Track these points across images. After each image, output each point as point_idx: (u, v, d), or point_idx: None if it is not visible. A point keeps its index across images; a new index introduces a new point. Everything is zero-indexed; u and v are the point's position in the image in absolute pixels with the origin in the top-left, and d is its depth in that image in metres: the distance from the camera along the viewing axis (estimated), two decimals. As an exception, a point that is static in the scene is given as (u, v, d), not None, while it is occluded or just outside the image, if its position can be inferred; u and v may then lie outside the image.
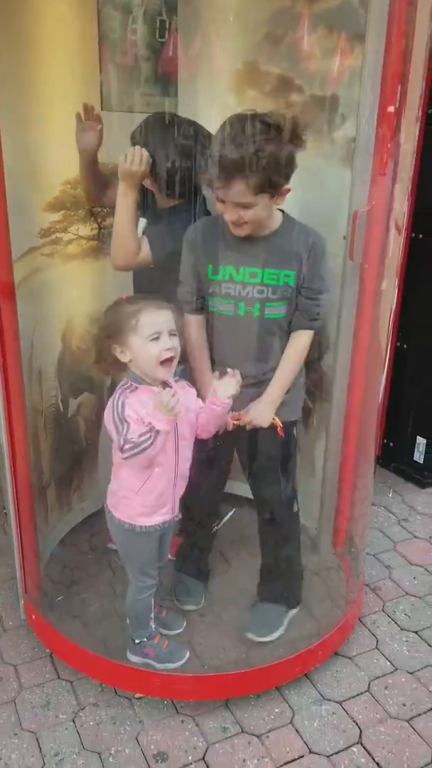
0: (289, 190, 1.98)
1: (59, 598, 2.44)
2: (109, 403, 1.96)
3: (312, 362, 2.68)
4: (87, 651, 2.19)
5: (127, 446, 1.88)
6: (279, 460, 2.29)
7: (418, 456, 3.49)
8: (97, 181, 2.39)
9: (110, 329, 1.97)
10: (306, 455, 2.86)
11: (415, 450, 3.49)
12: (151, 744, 2.06)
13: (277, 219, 2.09)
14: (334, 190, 2.35)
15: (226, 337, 2.17)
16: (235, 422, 2.16)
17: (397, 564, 2.93)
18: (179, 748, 2.05)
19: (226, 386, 2.02)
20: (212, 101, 2.51)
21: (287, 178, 1.95)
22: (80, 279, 2.60)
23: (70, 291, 2.60)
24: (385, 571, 2.87)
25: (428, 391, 3.36)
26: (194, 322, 2.17)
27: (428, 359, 3.33)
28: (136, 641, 2.24)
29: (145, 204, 2.25)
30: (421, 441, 3.46)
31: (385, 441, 3.63)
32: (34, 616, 2.37)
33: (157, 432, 1.87)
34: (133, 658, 2.25)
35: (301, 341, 2.17)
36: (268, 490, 2.34)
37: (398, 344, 3.39)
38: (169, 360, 1.92)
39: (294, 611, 2.45)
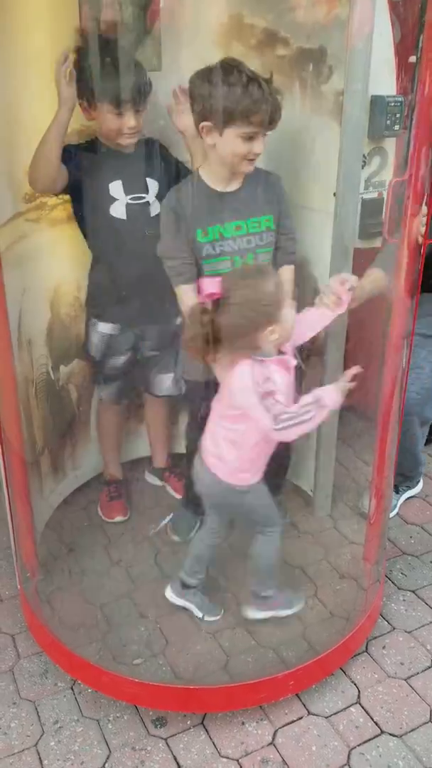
0: None
1: (38, 578, 2.39)
2: (240, 380, 1.86)
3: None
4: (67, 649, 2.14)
5: (285, 416, 1.81)
6: None
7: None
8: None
9: (274, 308, 1.83)
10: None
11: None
12: (150, 710, 2.07)
13: None
14: (322, 145, 2.30)
15: None
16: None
17: (393, 524, 2.92)
18: (178, 713, 2.06)
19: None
20: (197, 56, 2.43)
21: None
22: (67, 244, 2.55)
23: (58, 257, 2.55)
24: (382, 532, 2.88)
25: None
26: (191, 291, 2.11)
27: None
28: (262, 594, 2.25)
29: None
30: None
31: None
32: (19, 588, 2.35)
33: (322, 407, 1.84)
34: (258, 615, 2.27)
35: (291, 273, 2.27)
36: None
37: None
38: None
39: None
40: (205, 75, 1.88)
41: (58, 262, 2.55)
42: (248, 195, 2.09)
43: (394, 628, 2.39)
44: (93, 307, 2.53)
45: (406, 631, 2.37)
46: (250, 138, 1.90)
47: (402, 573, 2.64)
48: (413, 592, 2.55)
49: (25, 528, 2.29)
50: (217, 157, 1.96)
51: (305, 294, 2.60)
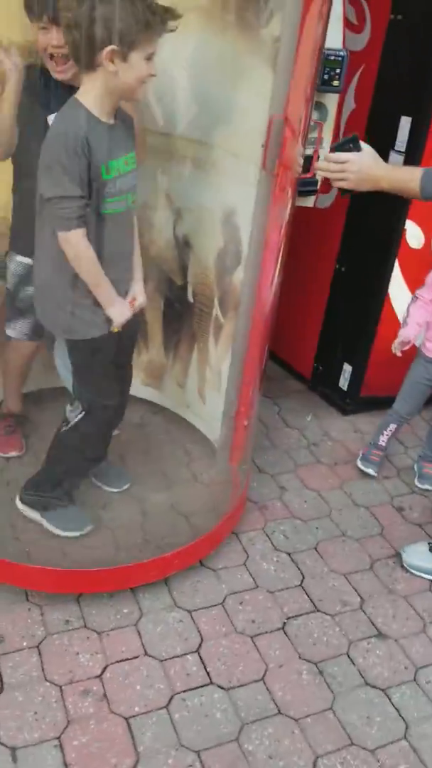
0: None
1: None
2: None
3: (224, 275, 2.63)
4: None
5: None
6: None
7: (344, 383, 3.44)
8: None
9: None
10: (215, 370, 2.83)
11: (341, 377, 3.45)
12: (-13, 627, 2.12)
13: None
14: (255, 92, 2.21)
15: (118, 236, 2.07)
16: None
17: (292, 486, 2.94)
18: (17, 634, 2.11)
19: None
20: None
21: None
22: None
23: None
24: (278, 492, 2.89)
25: (360, 317, 3.28)
26: (83, 235, 1.92)
27: (363, 283, 3.23)
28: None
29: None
30: (347, 368, 3.41)
31: (315, 365, 3.58)
32: None
33: None
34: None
35: None
36: None
37: (337, 267, 3.30)
38: None
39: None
40: None
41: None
42: (123, 128, 1.97)
43: (257, 586, 2.42)
44: (15, 241, 2.43)
45: (268, 591, 2.41)
46: (149, 59, 1.80)
47: (284, 535, 2.66)
48: (289, 554, 2.58)
49: None
50: (115, 84, 1.84)
51: (229, 245, 2.57)
